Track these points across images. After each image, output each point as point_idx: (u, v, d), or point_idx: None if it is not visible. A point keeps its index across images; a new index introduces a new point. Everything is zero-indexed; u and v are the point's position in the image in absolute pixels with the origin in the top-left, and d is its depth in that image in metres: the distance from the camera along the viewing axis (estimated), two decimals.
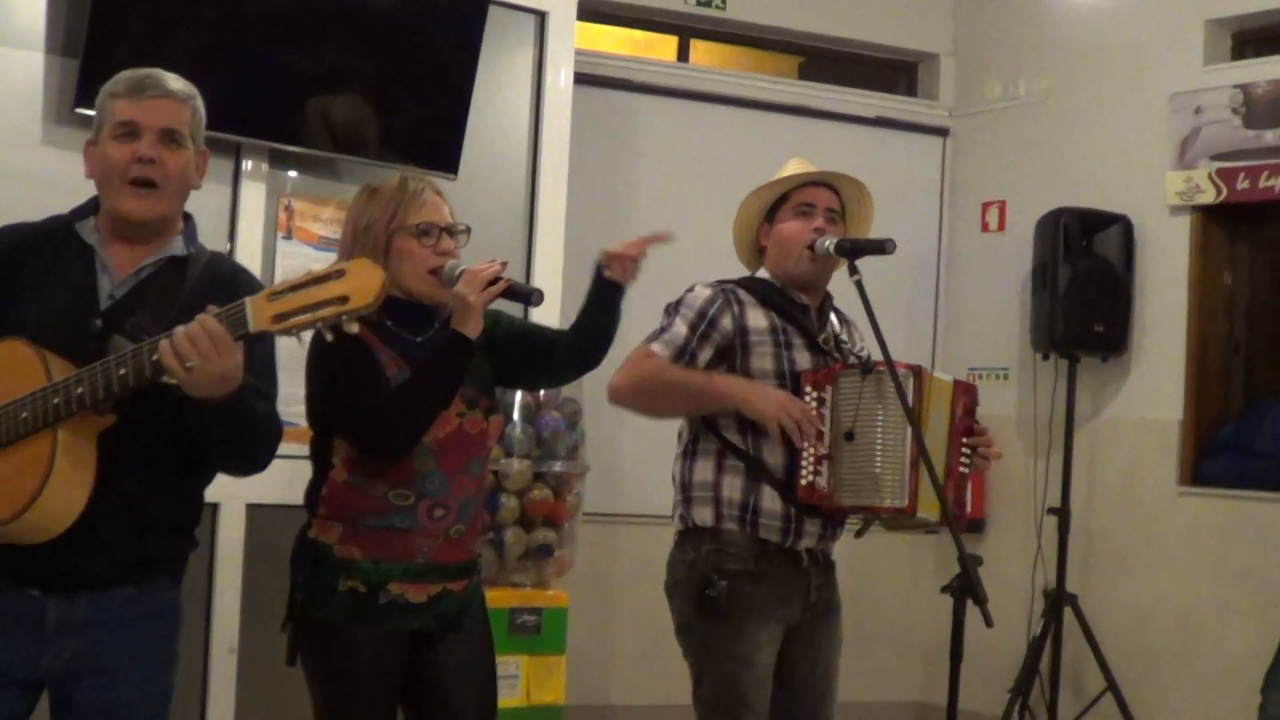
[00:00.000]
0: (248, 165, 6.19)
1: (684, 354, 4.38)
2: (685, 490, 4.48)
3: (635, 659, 7.88)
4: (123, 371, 3.13)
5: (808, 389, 4.38)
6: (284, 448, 6.02)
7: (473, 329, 3.85)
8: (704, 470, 4.44)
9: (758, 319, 4.43)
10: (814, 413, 4.33)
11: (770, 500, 4.36)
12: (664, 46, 8.78)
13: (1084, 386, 8.02)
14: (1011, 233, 8.55)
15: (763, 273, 4.58)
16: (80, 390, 3.15)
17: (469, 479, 4.05)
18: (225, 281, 3.52)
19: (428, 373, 3.88)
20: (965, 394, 4.54)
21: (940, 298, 8.99)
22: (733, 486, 4.38)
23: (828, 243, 4.40)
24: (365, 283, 3.07)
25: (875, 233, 4.58)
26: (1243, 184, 7.51)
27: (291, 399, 6.04)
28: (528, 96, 6.99)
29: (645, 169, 8.32)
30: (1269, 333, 7.96)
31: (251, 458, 3.51)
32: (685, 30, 8.73)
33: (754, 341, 4.41)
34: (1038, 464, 8.08)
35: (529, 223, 6.91)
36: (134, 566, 3.43)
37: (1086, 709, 7.71)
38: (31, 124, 5.80)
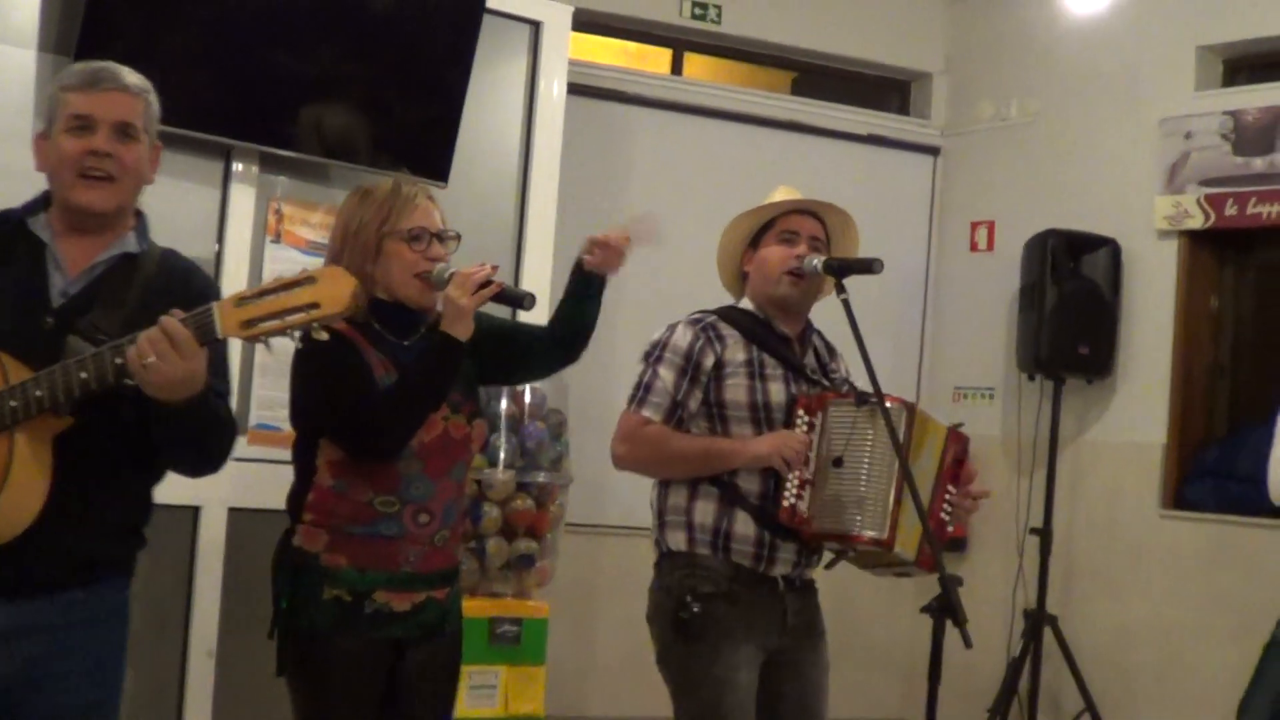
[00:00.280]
0: (238, 168, 6.19)
1: (675, 410, 4.40)
2: (660, 515, 4.49)
3: (615, 671, 7.87)
4: (84, 375, 3.11)
5: (799, 412, 4.38)
6: (265, 451, 6.07)
7: (463, 331, 3.85)
8: (677, 495, 4.44)
9: (736, 352, 4.43)
10: (804, 438, 4.33)
11: (743, 525, 4.36)
12: (658, 59, 8.78)
13: (1068, 408, 8.03)
14: (1000, 253, 8.56)
15: (745, 302, 4.58)
16: (39, 393, 3.12)
17: (452, 483, 4.05)
18: (180, 279, 3.51)
19: (418, 375, 3.87)
20: (956, 442, 4.52)
21: (927, 316, 9.00)
22: (705, 511, 4.38)
23: (816, 261, 4.40)
24: (336, 290, 3.09)
25: (863, 251, 4.59)
26: (1231, 210, 7.53)
27: (275, 403, 6.09)
28: (520, 106, 6.99)
29: (636, 181, 8.32)
30: (1254, 358, 7.97)
31: (210, 458, 3.53)
32: (679, 43, 8.73)
33: (728, 374, 4.41)
34: (1021, 484, 8.08)
35: (519, 232, 6.91)
36: (83, 569, 3.38)
37: None
38: (24, 122, 5.78)
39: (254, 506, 6.04)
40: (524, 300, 3.94)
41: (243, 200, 6.21)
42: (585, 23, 7.76)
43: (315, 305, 3.07)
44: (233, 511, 6.12)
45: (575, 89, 7.34)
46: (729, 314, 4.53)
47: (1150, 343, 7.90)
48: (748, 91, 8.78)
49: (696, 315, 4.52)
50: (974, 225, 8.80)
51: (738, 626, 4.33)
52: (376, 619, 3.93)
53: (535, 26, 7.01)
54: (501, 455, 6.28)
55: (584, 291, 4.18)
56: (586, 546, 7.71)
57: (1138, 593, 7.81)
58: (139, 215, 3.55)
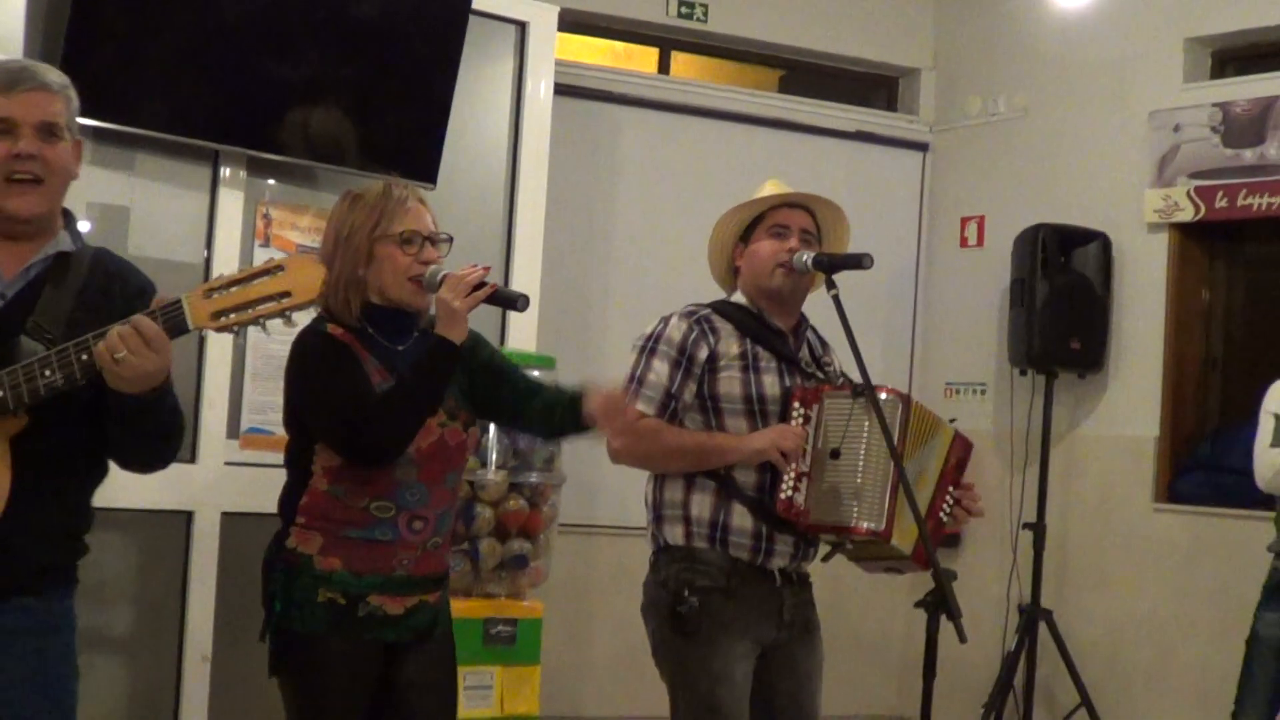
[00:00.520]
0: (225, 173, 6.18)
1: (669, 402, 4.38)
2: (656, 509, 4.48)
3: (610, 670, 7.88)
4: (48, 374, 3.08)
5: (795, 404, 4.37)
6: (258, 456, 6.07)
7: (458, 335, 3.84)
8: (674, 489, 4.43)
9: (729, 345, 4.42)
10: (801, 432, 4.33)
11: (740, 518, 4.35)
12: (645, 58, 8.78)
13: (1060, 402, 8.03)
14: (990, 248, 8.56)
15: (737, 296, 4.57)
16: (0, 394, 3.10)
17: (446, 491, 4.04)
18: (118, 277, 3.47)
19: (415, 379, 3.86)
20: (962, 448, 4.54)
21: (918, 313, 9.00)
22: (702, 505, 4.37)
23: (805, 257, 4.39)
24: (306, 278, 3.12)
25: (853, 247, 4.57)
26: (1221, 202, 7.53)
27: (266, 407, 6.09)
28: (508, 107, 6.98)
29: (625, 180, 8.31)
30: (1246, 351, 7.97)
31: (166, 449, 3.47)
32: (666, 42, 8.73)
33: (722, 366, 4.40)
34: (1013, 479, 8.08)
35: (507, 233, 6.90)
36: (34, 576, 3.33)
37: None
38: None
39: (247, 510, 6.03)
40: (517, 302, 3.92)
41: (231, 204, 6.20)
42: (571, 23, 7.75)
43: (287, 294, 3.10)
44: (226, 516, 6.11)
45: (562, 89, 7.33)
46: (722, 307, 4.53)
47: (1142, 336, 7.90)
48: (735, 90, 8.78)
49: (690, 308, 4.51)
50: (964, 221, 8.80)
51: (734, 621, 4.33)
52: (370, 622, 3.92)
53: (521, 27, 7.00)
54: (494, 456, 6.28)
55: (578, 429, 4.15)
56: (580, 546, 7.71)
57: (1131, 586, 7.82)
58: (67, 214, 3.48)
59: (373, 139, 6.39)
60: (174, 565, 6.10)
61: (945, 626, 4.06)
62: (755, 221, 4.54)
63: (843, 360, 4.66)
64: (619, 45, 8.73)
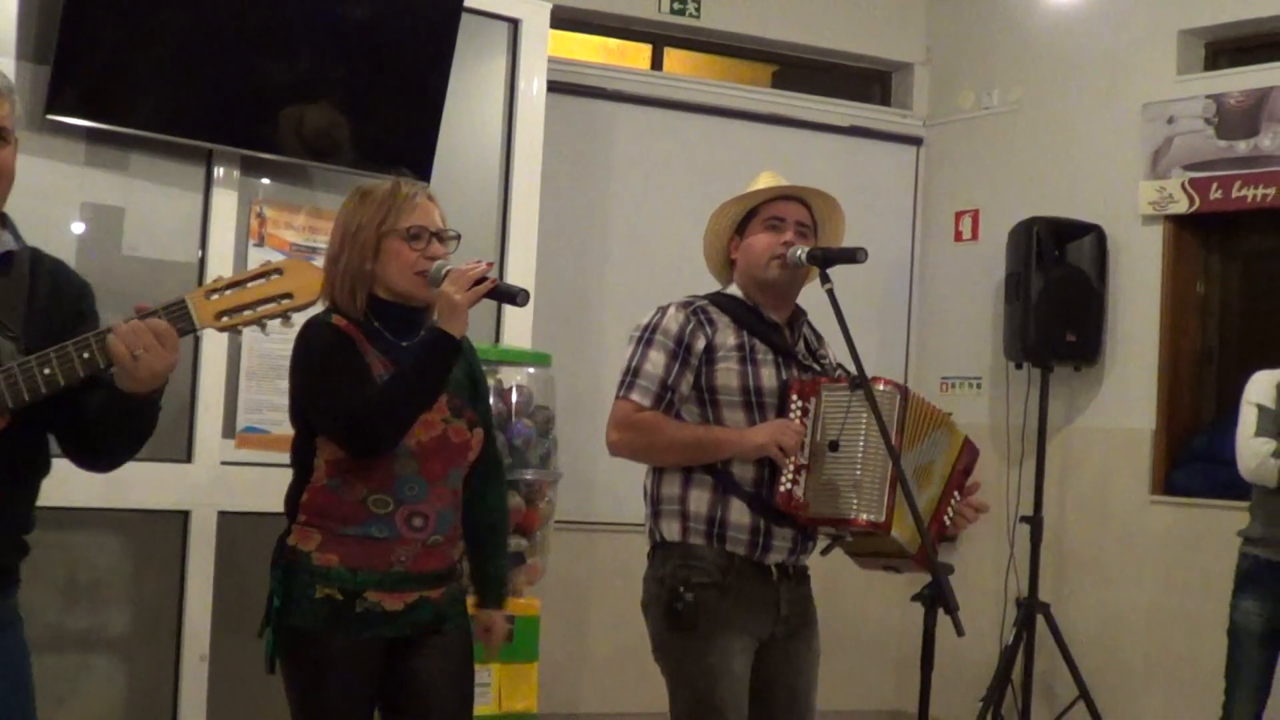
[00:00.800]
0: (219, 172, 6.17)
1: (665, 394, 4.36)
2: (654, 504, 4.46)
3: (607, 667, 7.88)
4: (48, 371, 3.05)
5: (793, 397, 4.36)
6: (254, 455, 6.07)
7: (458, 328, 3.86)
8: (671, 484, 4.42)
9: (726, 336, 4.41)
10: (800, 426, 4.32)
11: (738, 513, 4.34)
12: (638, 55, 8.78)
13: (1056, 396, 8.03)
14: (984, 242, 8.57)
15: (733, 288, 4.56)
16: None
17: (447, 489, 4.05)
18: (62, 276, 3.45)
19: (413, 370, 3.88)
20: (970, 455, 4.54)
21: (913, 307, 9.00)
22: (699, 500, 4.36)
23: (799, 252, 4.38)
24: (306, 280, 3.17)
25: (847, 242, 4.57)
26: (1215, 194, 7.53)
27: (262, 405, 6.09)
28: (501, 104, 6.98)
29: (618, 177, 8.32)
30: (1241, 342, 7.97)
31: (135, 451, 3.44)
32: (659, 39, 8.73)
33: (719, 358, 4.38)
34: (1010, 473, 8.09)
35: (501, 231, 6.89)
36: None
37: (1058, 717, 7.70)
38: None
39: (244, 509, 6.04)
40: (517, 297, 3.94)
41: (225, 204, 6.20)
42: (564, 20, 7.76)
43: (288, 295, 3.14)
44: (223, 515, 6.11)
45: (555, 86, 7.33)
46: (718, 299, 4.51)
47: (1137, 329, 7.91)
48: (728, 85, 8.78)
49: (687, 299, 4.50)
50: (958, 215, 8.81)
51: (731, 616, 4.32)
52: (368, 618, 3.93)
53: (514, 24, 7.00)
54: None
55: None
56: (576, 543, 7.71)
57: (1129, 579, 7.83)
58: (3, 215, 3.42)
59: (366, 137, 6.39)
60: (171, 565, 6.09)
61: (943, 620, 4.05)
62: (750, 214, 4.53)
63: (837, 354, 4.66)
64: (612, 42, 8.73)
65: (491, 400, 6.23)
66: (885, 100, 9.29)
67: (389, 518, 3.93)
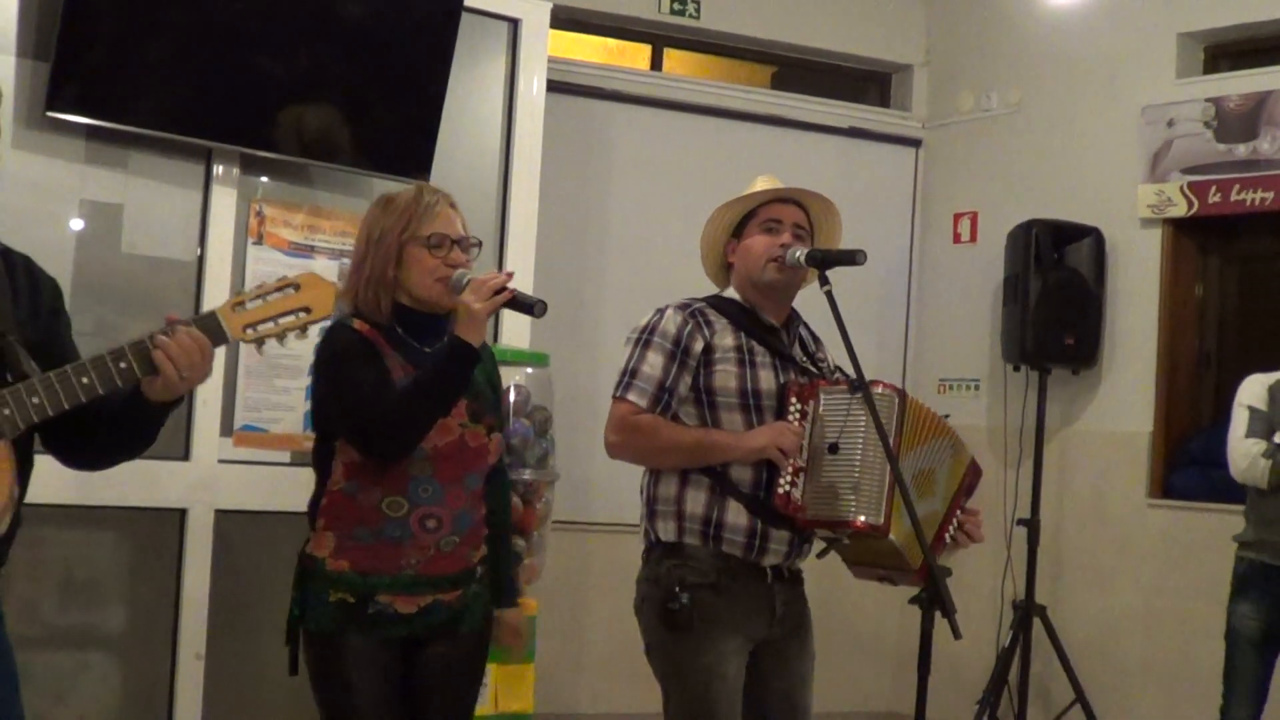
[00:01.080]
0: (219, 170, 6.16)
1: (662, 395, 4.35)
2: (650, 504, 4.46)
3: (604, 667, 7.88)
4: (85, 380, 3.10)
5: (792, 400, 4.36)
6: (251, 453, 6.06)
7: (476, 336, 3.89)
8: (668, 484, 4.41)
9: (725, 338, 4.40)
10: (799, 429, 4.32)
11: (735, 515, 4.33)
12: (637, 55, 8.78)
13: (1054, 398, 8.03)
14: (983, 244, 8.57)
15: (730, 291, 4.56)
16: (36, 400, 3.09)
17: (464, 492, 4.07)
18: (36, 272, 3.44)
19: (430, 377, 3.91)
20: (974, 474, 4.54)
21: (911, 309, 9.01)
22: (696, 501, 4.35)
23: (798, 253, 4.37)
24: (323, 294, 3.30)
25: (846, 243, 4.57)
26: (1214, 197, 7.54)
27: (261, 404, 6.08)
28: (500, 104, 6.97)
29: (617, 177, 8.32)
30: (1239, 346, 7.97)
31: (137, 454, 3.50)
32: (659, 39, 8.74)
33: (717, 359, 4.38)
34: (1007, 475, 8.09)
35: (500, 230, 6.89)
36: None
37: (1055, 719, 7.73)
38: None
39: (240, 508, 6.04)
40: (534, 308, 3.96)
41: (224, 202, 6.19)
42: (564, 20, 7.76)
43: (307, 309, 3.27)
44: (219, 513, 6.10)
45: (555, 86, 7.32)
46: (716, 302, 4.51)
47: (1135, 332, 7.91)
48: (728, 86, 8.79)
49: (684, 301, 4.50)
50: (957, 217, 8.81)
51: (726, 617, 4.32)
52: (380, 620, 3.97)
53: (514, 24, 6.99)
54: None
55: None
56: (573, 543, 7.71)
57: (1126, 582, 7.83)
58: None
59: (366, 136, 6.39)
60: (167, 563, 6.09)
61: (940, 622, 4.05)
62: (748, 216, 4.52)
63: (835, 356, 4.65)
64: (611, 42, 8.74)
65: None
66: (884, 102, 9.30)
67: (403, 520, 3.97)
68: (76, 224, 5.96)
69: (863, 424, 4.24)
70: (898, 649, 8.42)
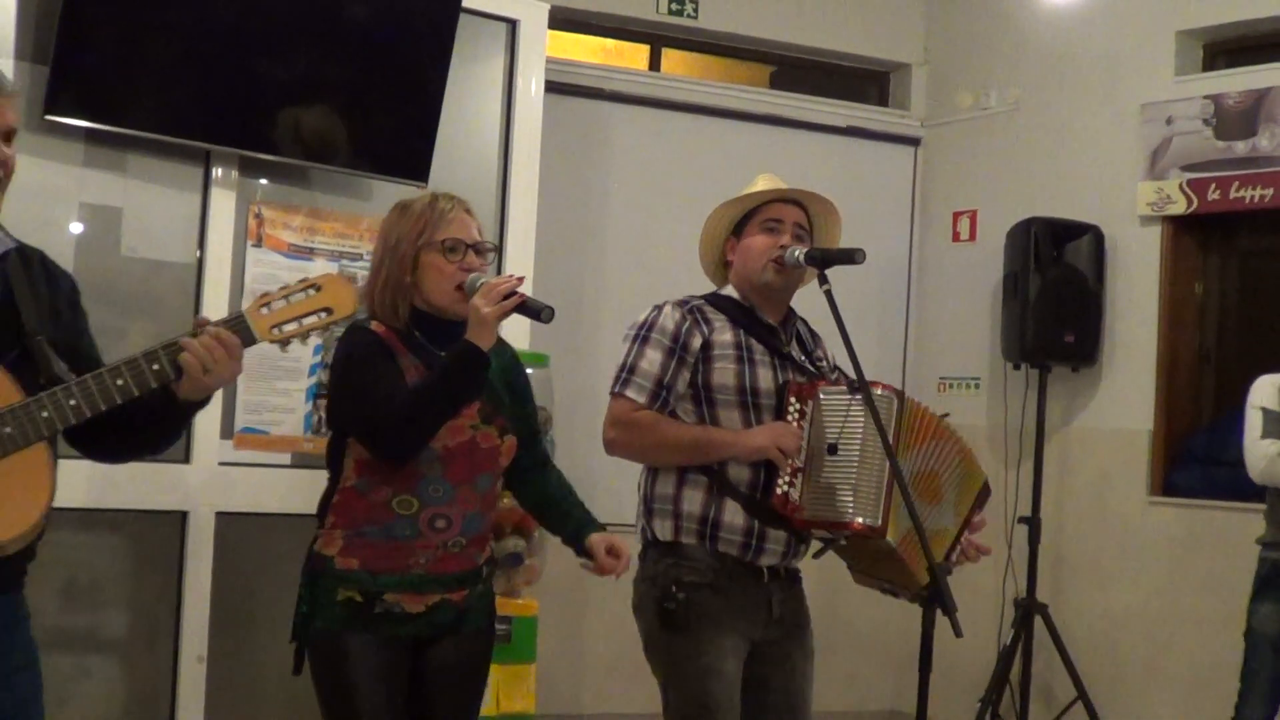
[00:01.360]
0: (218, 173, 6.16)
1: (660, 392, 4.36)
2: (647, 502, 4.47)
3: (605, 667, 7.88)
4: (120, 382, 3.15)
5: (791, 399, 4.36)
6: (252, 455, 6.06)
7: (486, 340, 3.89)
8: (665, 483, 4.42)
9: (723, 335, 4.41)
10: (799, 429, 4.31)
11: (732, 514, 4.33)
12: (635, 55, 8.78)
13: (1054, 396, 8.03)
14: (982, 242, 8.57)
15: (728, 289, 4.56)
16: (73, 402, 3.12)
17: (475, 493, 4.07)
18: (51, 266, 3.48)
19: (439, 380, 3.91)
20: (985, 494, 4.58)
21: (911, 307, 9.01)
22: (693, 500, 4.36)
23: (797, 252, 4.37)
24: (344, 295, 3.37)
25: (845, 243, 4.56)
26: (1214, 195, 7.54)
27: (261, 406, 6.08)
28: (499, 105, 6.97)
29: (616, 177, 8.32)
30: (1239, 343, 7.97)
31: (162, 450, 3.59)
32: (657, 39, 8.73)
33: (715, 356, 4.38)
34: (1008, 473, 8.08)
35: (499, 231, 6.88)
36: (20, 572, 3.39)
37: (1056, 718, 7.71)
38: None
39: (241, 510, 6.04)
40: (541, 313, 3.96)
41: (223, 204, 6.18)
42: (562, 20, 7.76)
43: (328, 310, 3.35)
44: (220, 516, 6.10)
45: (553, 87, 7.32)
46: (714, 299, 4.51)
47: (1135, 329, 7.91)
48: (726, 86, 8.78)
49: (683, 298, 4.50)
50: (956, 215, 8.81)
51: (723, 616, 4.32)
52: (387, 618, 3.98)
53: (512, 25, 6.99)
54: None
55: (569, 543, 4.43)
56: None
57: (1127, 580, 7.83)
58: None
59: (364, 138, 6.39)
60: (169, 565, 6.09)
61: (941, 621, 4.05)
62: (747, 216, 4.53)
63: (835, 354, 4.65)
64: (609, 42, 8.74)
65: None
66: (883, 101, 9.30)
67: (412, 518, 3.98)
68: (76, 227, 5.96)
69: (862, 425, 4.24)
70: (899, 648, 8.41)
